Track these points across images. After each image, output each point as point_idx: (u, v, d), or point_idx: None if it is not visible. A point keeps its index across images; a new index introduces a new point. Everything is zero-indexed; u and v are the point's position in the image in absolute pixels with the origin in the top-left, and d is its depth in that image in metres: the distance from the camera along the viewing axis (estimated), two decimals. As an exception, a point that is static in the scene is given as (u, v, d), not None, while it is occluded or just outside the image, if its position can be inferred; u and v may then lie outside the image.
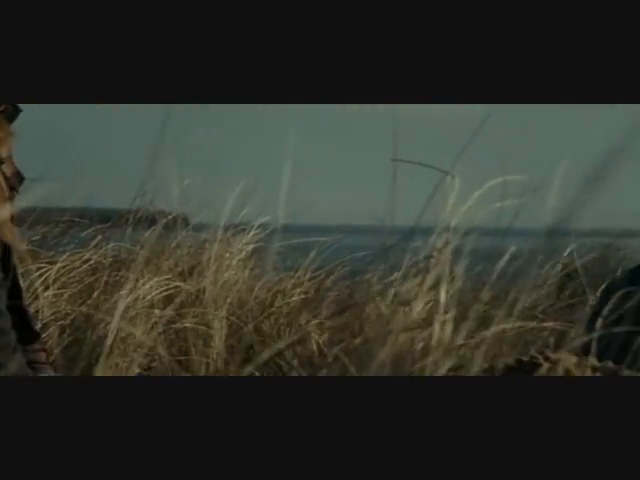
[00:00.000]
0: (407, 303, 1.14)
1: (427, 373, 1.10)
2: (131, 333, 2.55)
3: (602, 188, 1.04)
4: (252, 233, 3.65)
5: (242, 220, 3.62)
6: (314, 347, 3.42)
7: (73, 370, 2.26)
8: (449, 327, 1.13)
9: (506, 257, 1.17)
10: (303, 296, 3.60)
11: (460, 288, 1.18)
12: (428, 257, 1.16)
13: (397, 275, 1.21)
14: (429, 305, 1.27)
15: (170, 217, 3.19)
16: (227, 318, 3.25)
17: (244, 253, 3.62)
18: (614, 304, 1.58)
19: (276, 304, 3.64)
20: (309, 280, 3.71)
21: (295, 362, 3.35)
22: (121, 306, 2.50)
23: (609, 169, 1.01)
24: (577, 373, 1.53)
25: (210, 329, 3.12)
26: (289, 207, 3.82)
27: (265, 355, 1.28)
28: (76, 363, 2.17)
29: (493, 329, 1.14)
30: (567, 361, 1.56)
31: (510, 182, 1.21)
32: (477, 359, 1.37)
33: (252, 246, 3.65)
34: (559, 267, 4.23)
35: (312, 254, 3.75)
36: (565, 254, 4.27)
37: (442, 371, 1.12)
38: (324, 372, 1.15)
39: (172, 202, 3.16)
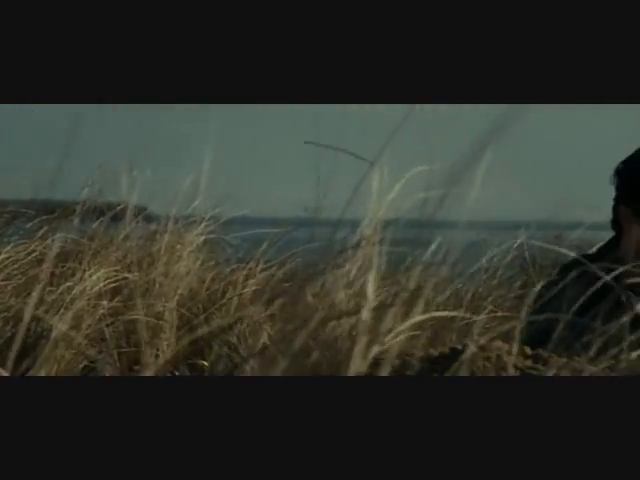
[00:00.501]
0: (334, 292, 1.15)
1: (356, 360, 1.11)
2: (75, 326, 2.54)
3: (466, 182, 1.06)
4: (203, 224, 3.64)
5: (193, 211, 3.61)
6: (265, 338, 3.42)
7: (17, 363, 2.24)
8: (377, 315, 1.14)
9: (432, 247, 1.19)
10: (255, 288, 3.61)
11: (384, 275, 1.19)
12: (355, 247, 1.17)
13: (324, 264, 1.22)
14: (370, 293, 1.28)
15: (119, 208, 3.17)
16: (178, 310, 3.25)
17: (195, 245, 3.61)
18: (538, 294, 1.61)
19: (227, 296, 3.64)
20: (261, 272, 3.72)
21: (246, 354, 3.36)
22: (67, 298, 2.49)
23: (471, 164, 1.03)
24: (508, 361, 1.55)
25: (160, 321, 3.11)
26: (238, 199, 3.83)
27: (200, 332, 1.28)
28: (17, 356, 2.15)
29: (418, 318, 1.15)
30: (499, 349, 1.58)
31: (434, 172, 1.22)
32: (411, 347, 1.38)
33: (203, 237, 3.65)
34: (509, 258, 4.28)
35: (264, 246, 3.76)
36: (515, 245, 4.32)
37: (370, 357, 1.13)
38: (251, 362, 1.15)
39: (121, 193, 3.15)
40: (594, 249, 2.64)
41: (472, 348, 1.59)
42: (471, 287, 3.93)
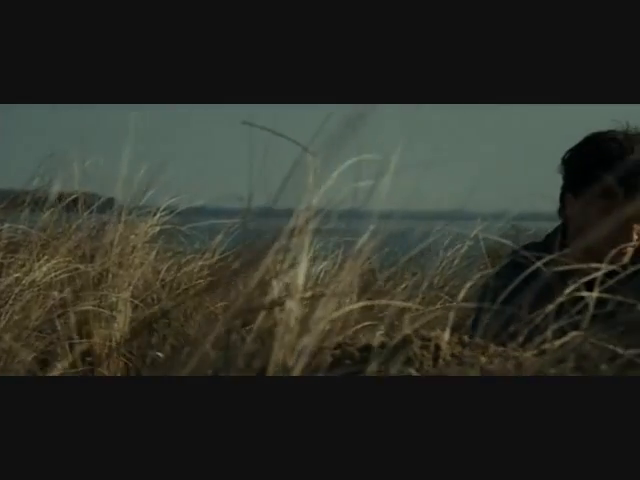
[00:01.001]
0: (267, 283, 1.15)
1: (283, 350, 1.11)
2: (27, 316, 2.52)
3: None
4: (158, 215, 3.63)
5: (148, 202, 3.59)
6: (222, 329, 3.42)
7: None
8: (309, 305, 1.14)
9: (365, 237, 1.19)
10: (210, 279, 3.59)
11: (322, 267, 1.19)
12: (289, 236, 1.17)
13: (260, 255, 1.22)
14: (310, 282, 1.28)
15: (70, 198, 3.15)
16: (131, 301, 3.23)
17: (150, 235, 3.60)
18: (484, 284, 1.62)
19: (182, 286, 3.63)
20: (216, 262, 3.71)
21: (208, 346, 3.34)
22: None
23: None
24: (446, 349, 1.56)
25: (113, 312, 3.10)
26: (196, 189, 3.82)
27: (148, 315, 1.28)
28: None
29: (349, 307, 1.16)
30: (439, 338, 1.59)
31: (366, 162, 1.22)
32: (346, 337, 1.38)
33: (159, 228, 3.64)
34: (465, 248, 4.31)
35: (219, 236, 3.75)
36: (472, 235, 4.35)
37: (299, 347, 1.13)
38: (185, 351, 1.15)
39: (73, 183, 3.12)
40: (542, 237, 2.67)
41: (417, 340, 1.60)
42: (427, 278, 3.96)
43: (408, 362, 1.55)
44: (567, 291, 1.15)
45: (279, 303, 1.13)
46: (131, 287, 3.25)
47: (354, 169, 1.20)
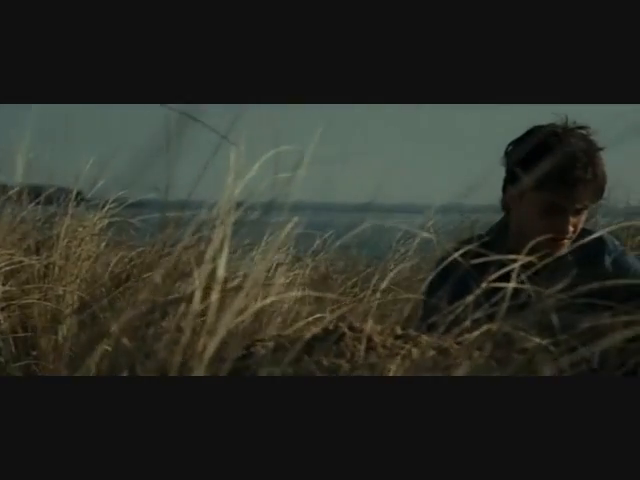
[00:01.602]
0: (187, 275, 1.14)
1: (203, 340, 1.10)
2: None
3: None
4: (107, 207, 3.59)
5: (96, 194, 3.55)
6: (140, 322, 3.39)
7: None
8: (227, 299, 1.14)
9: (288, 227, 1.18)
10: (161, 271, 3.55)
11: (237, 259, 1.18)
12: (210, 228, 1.16)
13: (176, 246, 1.21)
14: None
15: (15, 190, 3.11)
16: (78, 294, 3.20)
17: (99, 228, 3.56)
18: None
19: (132, 279, 3.59)
20: (167, 255, 3.66)
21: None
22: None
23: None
24: (378, 341, 1.56)
25: (59, 305, 3.06)
26: (147, 182, 3.78)
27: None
28: None
29: (267, 301, 1.15)
30: (371, 329, 1.59)
31: (287, 153, 1.22)
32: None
33: (107, 221, 3.60)
34: (417, 241, 4.32)
35: (170, 228, 3.70)
36: (425, 228, 4.37)
37: (217, 340, 1.12)
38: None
39: (17, 175, 3.08)
40: (487, 230, 2.69)
41: (349, 331, 1.60)
42: (379, 270, 3.96)
43: (340, 354, 1.55)
44: (484, 284, 1.16)
45: (198, 295, 1.12)
46: (78, 280, 3.21)
47: (274, 161, 1.19)
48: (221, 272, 1.14)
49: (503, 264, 1.41)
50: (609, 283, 1.70)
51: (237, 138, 1.11)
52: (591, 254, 2.48)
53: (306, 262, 4.08)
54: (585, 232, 2.50)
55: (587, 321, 1.08)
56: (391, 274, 1.45)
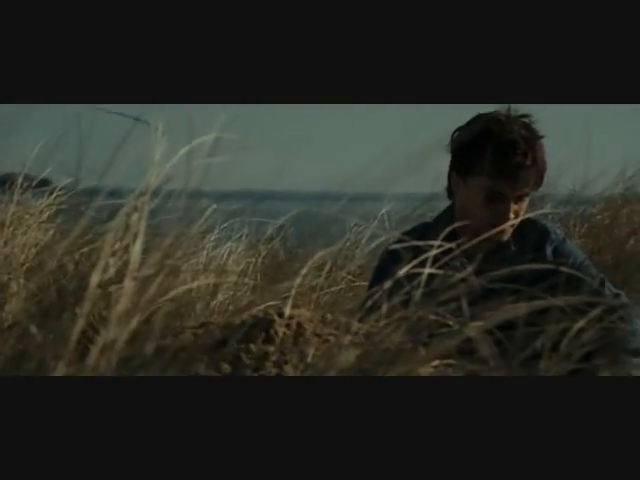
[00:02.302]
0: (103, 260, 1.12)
1: (114, 328, 1.09)
2: None
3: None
4: (55, 194, 3.55)
5: (43, 180, 3.51)
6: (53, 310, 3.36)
7: None
8: (141, 285, 1.12)
9: (206, 215, 1.17)
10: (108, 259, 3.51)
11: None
12: (128, 214, 1.14)
13: (102, 230, 1.19)
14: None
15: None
16: (25, 282, 3.16)
17: (47, 215, 3.52)
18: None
19: (80, 267, 3.54)
20: (116, 242, 3.62)
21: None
22: None
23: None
24: (308, 328, 1.55)
25: (4, 293, 3.02)
26: (93, 168, 3.74)
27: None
28: None
29: (181, 289, 1.14)
30: (301, 317, 1.59)
31: (220, 140, 1.21)
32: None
33: (55, 208, 3.56)
34: (370, 231, 4.32)
35: (118, 217, 3.65)
36: (378, 217, 4.37)
37: (131, 327, 1.11)
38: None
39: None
40: (434, 216, 2.70)
41: (279, 318, 1.59)
42: (330, 258, 3.96)
43: (268, 340, 1.54)
44: (403, 270, 1.16)
45: (114, 282, 1.10)
46: (24, 268, 3.17)
47: (198, 149, 1.18)
48: (135, 259, 1.13)
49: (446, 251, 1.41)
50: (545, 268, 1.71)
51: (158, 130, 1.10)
52: (533, 242, 2.49)
53: (259, 249, 4.06)
54: (527, 220, 2.51)
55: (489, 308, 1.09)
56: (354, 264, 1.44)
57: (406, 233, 2.57)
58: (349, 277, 3.96)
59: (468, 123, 2.48)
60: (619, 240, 3.14)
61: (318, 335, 1.56)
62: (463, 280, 1.11)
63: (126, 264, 1.13)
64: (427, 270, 1.15)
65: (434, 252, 1.23)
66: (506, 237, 2.46)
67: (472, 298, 1.17)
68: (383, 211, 4.38)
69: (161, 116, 1.11)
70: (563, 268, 1.59)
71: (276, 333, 1.54)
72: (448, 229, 1.88)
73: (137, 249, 1.14)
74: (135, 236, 1.14)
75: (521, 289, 1.24)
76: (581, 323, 1.14)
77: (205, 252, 3.78)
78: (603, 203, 3.82)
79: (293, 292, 1.25)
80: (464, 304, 1.07)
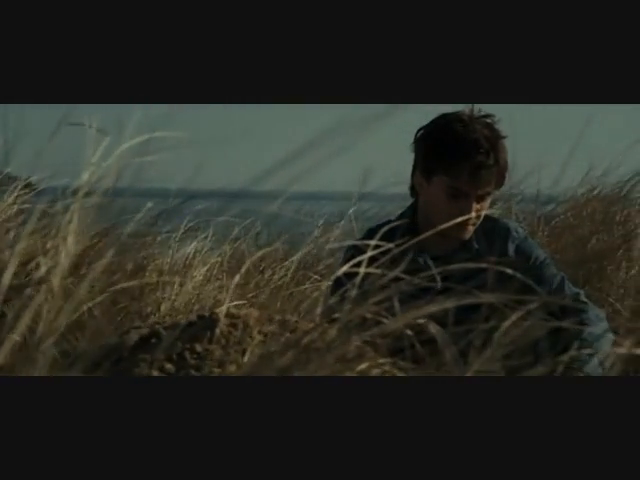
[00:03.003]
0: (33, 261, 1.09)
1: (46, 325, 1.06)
2: None
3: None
4: (16, 194, 3.50)
5: (2, 180, 3.46)
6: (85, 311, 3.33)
7: None
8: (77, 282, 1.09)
9: (142, 212, 1.14)
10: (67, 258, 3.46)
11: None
12: (63, 212, 1.11)
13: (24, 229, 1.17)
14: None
15: None
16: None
17: (9, 214, 3.46)
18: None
19: (43, 268, 3.48)
20: (77, 242, 3.57)
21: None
22: None
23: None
24: (254, 327, 1.53)
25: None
26: (54, 166, 3.69)
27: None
28: None
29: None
30: (247, 316, 1.56)
31: (156, 139, 1.18)
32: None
33: (17, 207, 3.50)
34: (338, 231, 4.31)
35: (31, 218, 3.59)
36: (346, 216, 4.36)
37: (61, 324, 1.08)
38: None
39: None
40: (397, 215, 2.69)
41: (224, 318, 1.57)
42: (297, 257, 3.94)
43: (214, 340, 1.52)
44: (343, 269, 1.14)
45: (44, 281, 1.07)
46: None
47: (139, 147, 1.15)
48: (64, 255, 1.10)
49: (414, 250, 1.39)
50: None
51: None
52: (495, 241, 2.49)
53: (224, 249, 4.03)
54: (489, 219, 2.51)
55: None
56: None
57: (369, 230, 2.56)
58: (315, 277, 3.94)
59: (431, 122, 2.47)
60: (582, 239, 3.14)
61: (265, 334, 1.54)
62: (397, 279, 1.10)
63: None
64: (363, 270, 1.14)
65: (371, 253, 1.21)
66: (468, 236, 2.46)
67: (403, 297, 1.16)
68: (350, 211, 4.37)
69: (94, 115, 1.08)
70: (507, 270, 1.57)
71: (221, 333, 1.51)
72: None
73: (69, 249, 1.11)
74: (64, 237, 1.11)
75: (452, 287, 1.23)
76: (509, 321, 1.12)
77: (170, 252, 3.75)
78: (569, 203, 3.83)
79: (230, 291, 1.23)
80: (395, 303, 1.05)
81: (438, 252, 2.43)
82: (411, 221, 2.51)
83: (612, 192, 3.64)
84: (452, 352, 1.16)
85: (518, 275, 1.52)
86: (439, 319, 1.12)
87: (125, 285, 1.16)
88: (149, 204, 1.15)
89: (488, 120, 2.43)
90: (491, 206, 2.51)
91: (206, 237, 4.01)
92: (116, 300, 3.20)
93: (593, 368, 2.16)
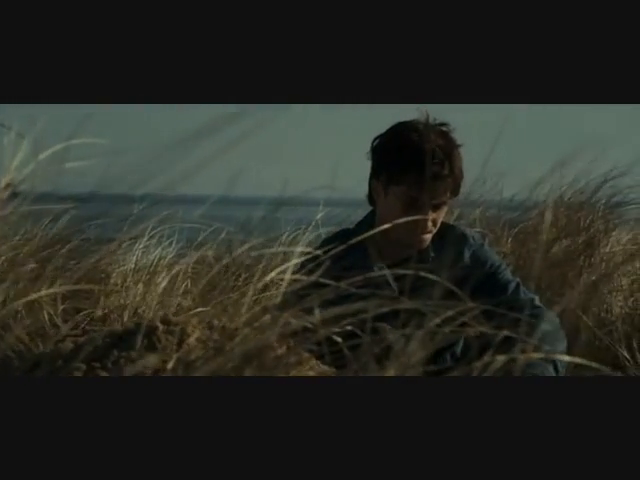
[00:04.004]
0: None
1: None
2: None
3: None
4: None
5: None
6: (46, 318, 3.32)
7: None
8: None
9: (64, 220, 1.14)
10: (36, 265, 3.46)
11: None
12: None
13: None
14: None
15: None
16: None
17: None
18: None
19: (11, 276, 3.46)
20: (43, 248, 3.57)
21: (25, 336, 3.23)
22: None
23: None
24: (192, 334, 1.53)
25: None
26: (25, 172, 3.67)
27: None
28: None
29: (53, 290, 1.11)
30: (185, 323, 1.56)
31: (87, 145, 1.18)
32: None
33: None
34: (312, 236, 4.30)
35: (46, 221, 3.60)
36: (313, 222, 4.36)
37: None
38: None
39: None
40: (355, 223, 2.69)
41: (161, 325, 1.57)
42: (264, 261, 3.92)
43: (151, 347, 1.52)
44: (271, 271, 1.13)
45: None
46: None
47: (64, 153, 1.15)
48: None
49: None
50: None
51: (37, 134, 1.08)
52: (451, 248, 2.50)
53: (190, 255, 4.02)
54: (446, 227, 2.52)
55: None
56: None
57: (328, 239, 2.57)
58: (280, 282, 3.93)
59: (387, 131, 2.48)
60: (544, 246, 3.16)
61: (203, 341, 1.53)
62: (322, 285, 1.10)
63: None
64: (290, 276, 1.14)
65: (299, 260, 1.22)
66: (425, 244, 2.47)
67: (331, 300, 1.16)
68: (318, 217, 4.37)
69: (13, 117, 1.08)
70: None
71: (158, 340, 1.51)
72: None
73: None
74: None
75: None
76: (435, 321, 1.13)
77: (134, 258, 3.73)
78: (536, 209, 3.84)
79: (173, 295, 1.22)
80: (315, 307, 1.06)
81: (394, 261, 2.44)
82: (369, 230, 2.52)
83: (576, 198, 3.67)
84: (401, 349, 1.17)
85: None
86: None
87: (81, 287, 1.17)
88: (69, 206, 1.15)
89: (443, 128, 2.44)
90: (453, 212, 2.53)
91: (171, 243, 4.00)
92: (78, 307, 3.19)
93: (542, 369, 2.18)
